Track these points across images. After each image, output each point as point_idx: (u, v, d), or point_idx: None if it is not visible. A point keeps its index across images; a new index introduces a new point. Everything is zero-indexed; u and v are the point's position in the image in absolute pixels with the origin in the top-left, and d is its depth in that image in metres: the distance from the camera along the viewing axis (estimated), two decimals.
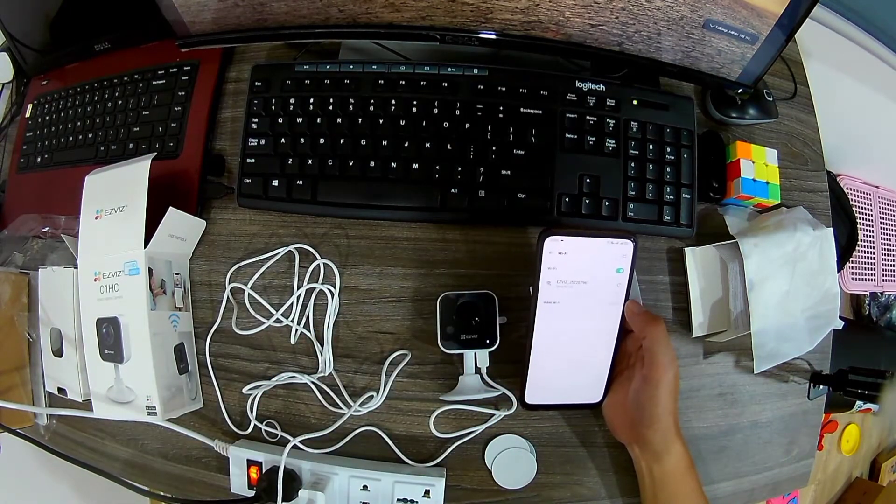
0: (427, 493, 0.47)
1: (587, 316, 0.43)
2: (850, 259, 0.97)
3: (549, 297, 0.42)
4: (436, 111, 0.51)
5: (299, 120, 0.52)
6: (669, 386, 0.41)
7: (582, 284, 0.42)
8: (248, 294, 0.52)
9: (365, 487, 0.47)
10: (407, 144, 0.51)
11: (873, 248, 1.03)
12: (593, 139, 0.51)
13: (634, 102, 0.52)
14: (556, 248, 0.40)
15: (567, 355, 0.45)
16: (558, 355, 0.45)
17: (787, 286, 0.50)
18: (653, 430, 0.42)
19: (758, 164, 0.53)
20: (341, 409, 0.49)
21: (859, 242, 0.96)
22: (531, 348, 0.44)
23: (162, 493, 0.53)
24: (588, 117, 0.51)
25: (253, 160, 0.52)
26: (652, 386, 0.41)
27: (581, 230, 0.42)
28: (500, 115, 0.51)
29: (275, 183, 0.51)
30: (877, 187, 1.04)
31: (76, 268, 0.49)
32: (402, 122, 0.51)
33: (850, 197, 0.98)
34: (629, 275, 0.42)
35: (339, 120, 0.51)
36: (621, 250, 0.41)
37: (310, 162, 0.51)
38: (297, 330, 0.51)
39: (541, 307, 0.43)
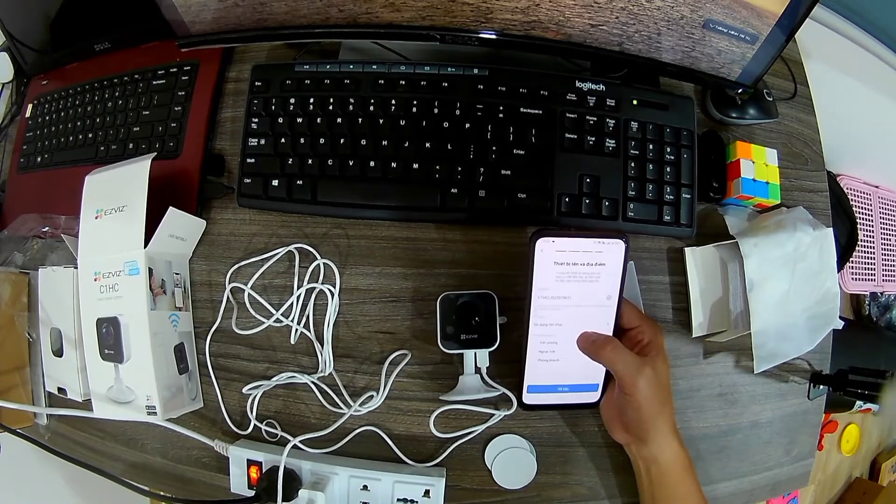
0: (427, 493, 0.47)
1: (581, 315, 0.43)
2: (850, 259, 0.97)
3: (542, 297, 0.42)
4: (436, 111, 0.51)
5: (299, 120, 0.52)
6: (644, 392, 0.41)
7: (575, 284, 0.42)
8: (248, 294, 0.52)
9: (365, 487, 0.47)
10: (407, 144, 0.51)
11: (873, 248, 1.03)
12: (593, 139, 0.51)
13: (634, 102, 0.52)
14: (547, 248, 0.40)
15: (563, 355, 0.45)
16: (554, 356, 0.45)
17: (787, 286, 0.50)
18: (646, 432, 0.43)
19: (758, 164, 0.53)
20: (341, 409, 0.49)
21: (859, 242, 0.96)
22: (527, 349, 0.44)
23: (162, 493, 0.53)
24: (588, 117, 0.51)
25: (253, 160, 0.52)
26: (629, 396, 0.42)
27: (572, 231, 0.42)
28: (500, 115, 0.51)
29: (275, 183, 0.51)
30: (877, 187, 1.04)
31: (76, 268, 0.49)
32: (402, 122, 0.51)
33: (850, 197, 0.98)
34: (622, 274, 0.42)
35: (339, 120, 0.51)
36: (613, 250, 0.41)
37: (310, 162, 0.51)
38: (297, 330, 0.51)
39: (535, 308, 0.43)
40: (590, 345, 0.43)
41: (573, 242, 0.41)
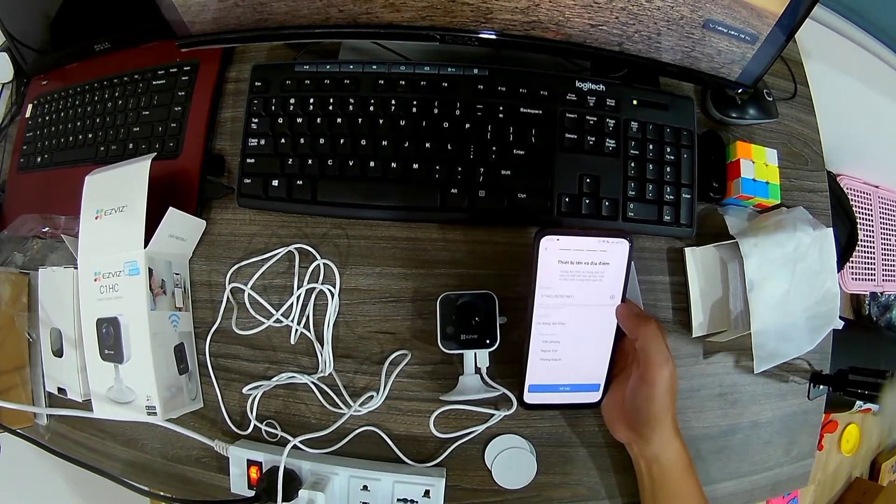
0: (427, 493, 0.47)
1: (584, 315, 0.43)
2: (850, 259, 0.97)
3: (545, 296, 0.42)
4: (436, 111, 0.51)
5: (299, 120, 0.52)
6: (665, 384, 0.41)
7: (578, 283, 0.42)
8: (248, 294, 0.52)
9: (365, 487, 0.47)
10: (407, 144, 0.51)
11: (873, 248, 1.03)
12: (593, 139, 0.51)
13: (634, 102, 0.52)
14: (552, 247, 0.40)
15: (565, 355, 0.45)
16: (556, 355, 0.45)
17: (787, 286, 0.50)
18: (651, 429, 0.42)
19: (758, 164, 0.53)
20: (341, 409, 0.49)
21: (859, 242, 0.96)
22: (529, 348, 0.44)
23: (162, 493, 0.53)
24: (588, 117, 0.51)
25: (253, 160, 0.52)
26: (648, 385, 0.41)
27: (577, 229, 0.42)
28: (500, 116, 0.51)
29: (275, 183, 0.51)
30: (877, 187, 1.04)
31: (76, 268, 0.49)
32: (402, 122, 0.51)
33: (850, 197, 0.98)
34: (625, 273, 0.42)
35: (338, 120, 0.51)
36: (617, 249, 0.41)
37: (310, 162, 0.51)
38: (297, 330, 0.51)
39: (538, 307, 0.43)
40: (631, 316, 0.42)
41: (578, 241, 0.41)
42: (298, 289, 0.52)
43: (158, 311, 0.48)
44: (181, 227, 0.51)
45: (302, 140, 0.52)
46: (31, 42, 0.67)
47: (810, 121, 0.60)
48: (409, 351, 0.50)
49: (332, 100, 0.52)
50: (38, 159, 0.63)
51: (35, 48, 0.67)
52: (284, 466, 0.45)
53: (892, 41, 0.68)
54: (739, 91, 0.52)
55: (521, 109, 0.51)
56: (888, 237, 1.05)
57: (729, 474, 0.51)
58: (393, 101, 0.51)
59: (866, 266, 1.02)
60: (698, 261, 0.52)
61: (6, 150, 0.68)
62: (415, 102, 0.51)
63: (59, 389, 0.53)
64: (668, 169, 0.52)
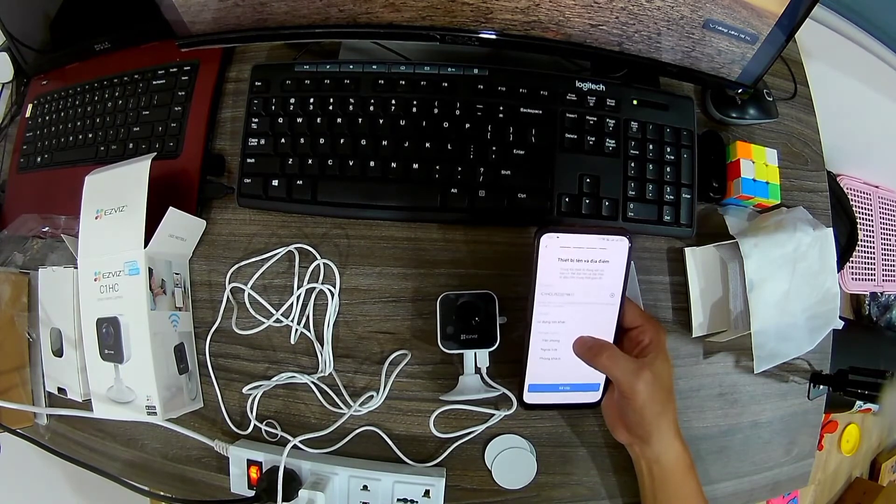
0: (427, 493, 0.47)
1: (585, 313, 0.43)
2: (850, 259, 0.97)
3: (546, 294, 0.42)
4: (436, 111, 0.51)
5: (299, 120, 0.52)
6: (645, 395, 0.41)
7: (578, 281, 0.42)
8: (248, 294, 0.52)
9: (365, 487, 0.47)
10: (407, 144, 0.51)
11: (873, 248, 1.03)
12: (593, 139, 0.51)
13: (634, 102, 0.52)
14: (552, 244, 0.40)
15: (565, 354, 0.45)
16: (556, 354, 0.45)
17: (787, 286, 0.50)
18: (649, 432, 0.43)
19: (758, 164, 0.53)
20: (341, 409, 0.49)
21: (859, 242, 0.96)
22: (529, 347, 0.44)
23: (162, 493, 0.53)
24: (588, 117, 0.51)
25: (253, 160, 0.52)
26: (628, 399, 0.42)
27: (577, 227, 0.42)
28: (500, 115, 0.51)
29: (275, 183, 0.51)
30: (877, 187, 1.04)
31: (76, 268, 0.49)
32: (402, 122, 0.51)
33: (850, 197, 0.98)
34: (625, 271, 0.42)
35: (338, 120, 0.51)
36: (617, 247, 0.41)
37: (310, 162, 0.51)
38: (297, 330, 0.51)
39: (538, 305, 0.43)
40: (586, 350, 0.43)
41: (578, 239, 0.41)
42: (298, 289, 0.52)
43: (158, 310, 0.48)
44: (181, 226, 0.51)
45: (302, 140, 0.52)
46: (31, 42, 0.67)
47: (810, 121, 0.60)
48: (409, 351, 0.50)
49: (332, 100, 0.52)
50: (38, 159, 0.63)
51: (35, 48, 0.67)
52: (284, 466, 0.45)
53: (892, 41, 0.68)
54: (739, 91, 0.52)
55: (521, 109, 0.51)
56: (888, 237, 1.05)
57: (729, 474, 0.52)
58: (393, 101, 0.51)
59: (866, 266, 1.02)
60: (698, 261, 0.52)
61: (6, 150, 0.68)
62: (415, 102, 0.51)
63: (59, 389, 0.53)
64: (668, 169, 0.52)
